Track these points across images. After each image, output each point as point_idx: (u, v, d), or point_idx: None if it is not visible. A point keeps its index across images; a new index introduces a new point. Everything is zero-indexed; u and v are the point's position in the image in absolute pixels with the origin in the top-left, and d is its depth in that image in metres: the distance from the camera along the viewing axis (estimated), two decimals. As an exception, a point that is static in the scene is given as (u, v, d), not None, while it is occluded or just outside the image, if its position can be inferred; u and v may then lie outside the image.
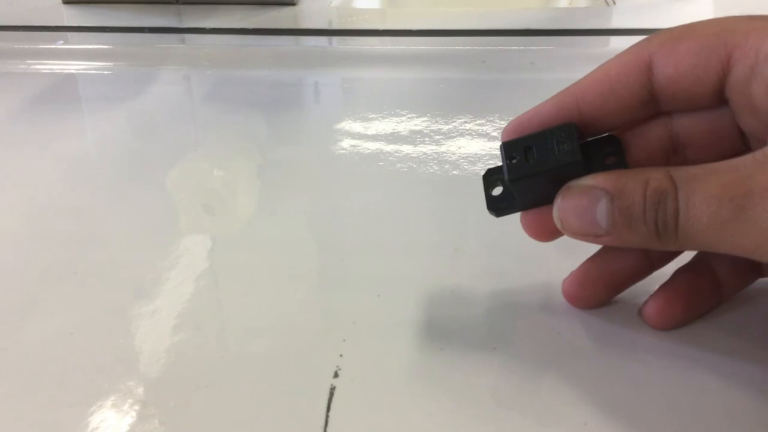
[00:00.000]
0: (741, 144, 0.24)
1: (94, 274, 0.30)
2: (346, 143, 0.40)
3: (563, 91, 0.25)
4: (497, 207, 0.26)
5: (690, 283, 0.26)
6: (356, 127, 0.42)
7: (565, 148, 0.23)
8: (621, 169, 0.23)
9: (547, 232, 0.26)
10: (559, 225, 0.24)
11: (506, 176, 0.24)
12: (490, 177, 0.26)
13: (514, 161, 0.24)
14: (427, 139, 0.40)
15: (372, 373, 0.25)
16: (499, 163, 0.25)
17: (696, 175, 0.21)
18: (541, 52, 0.50)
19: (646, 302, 0.26)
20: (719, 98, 0.23)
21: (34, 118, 0.44)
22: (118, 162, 0.40)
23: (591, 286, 0.27)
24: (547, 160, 0.23)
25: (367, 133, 0.41)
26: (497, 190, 0.26)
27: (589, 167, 0.23)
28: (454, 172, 0.36)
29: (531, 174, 0.24)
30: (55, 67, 0.52)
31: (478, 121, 0.41)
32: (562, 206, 0.23)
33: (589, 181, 0.23)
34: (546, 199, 0.24)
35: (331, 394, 0.24)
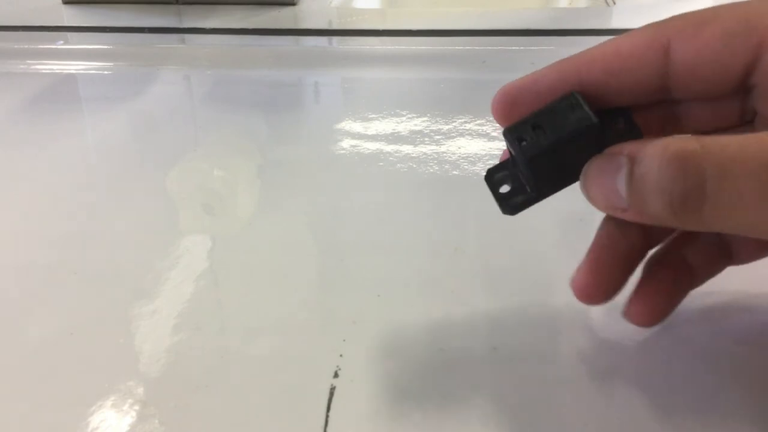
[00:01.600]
0: (742, 128, 0.23)
1: (94, 274, 0.30)
2: (346, 143, 0.40)
3: (566, 60, 0.23)
4: (511, 204, 0.23)
5: (667, 277, 0.25)
6: (356, 127, 0.42)
7: (577, 114, 0.21)
8: (653, 138, 0.21)
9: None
10: (586, 196, 0.22)
11: (520, 158, 0.22)
12: (494, 176, 0.24)
13: (524, 143, 0.22)
14: (427, 139, 0.40)
15: (372, 373, 0.25)
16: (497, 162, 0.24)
17: (734, 141, 0.19)
18: (541, 52, 0.50)
19: (629, 302, 0.25)
20: (741, 85, 0.22)
21: (34, 118, 0.44)
22: (118, 162, 0.40)
23: (603, 276, 0.24)
24: (562, 128, 0.21)
25: (367, 133, 0.41)
26: (505, 188, 0.24)
27: (604, 136, 0.22)
28: (454, 172, 0.36)
29: (547, 148, 0.21)
30: (55, 67, 0.52)
31: (478, 121, 0.41)
32: (588, 175, 0.22)
33: (614, 148, 0.21)
34: (563, 181, 0.23)
35: (331, 394, 0.24)
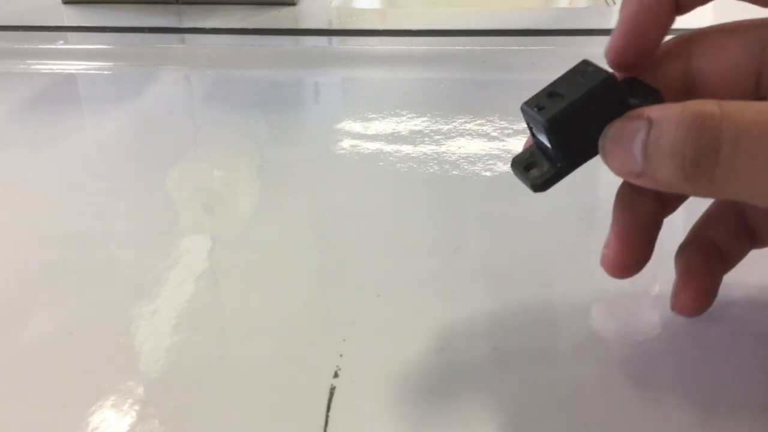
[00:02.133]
0: (754, 94, 0.23)
1: (94, 274, 0.30)
2: (346, 143, 0.40)
3: None
4: (540, 181, 0.23)
5: (703, 263, 0.25)
6: (356, 127, 0.42)
7: (590, 74, 0.21)
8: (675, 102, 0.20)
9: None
10: (603, 160, 0.21)
11: (541, 125, 0.22)
12: (518, 161, 0.23)
13: (543, 110, 0.21)
14: (427, 139, 0.40)
15: (372, 373, 0.25)
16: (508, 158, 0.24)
17: (754, 106, 0.18)
18: (541, 52, 0.50)
19: (674, 297, 0.25)
20: None
21: (34, 118, 0.44)
22: (118, 162, 0.40)
23: (630, 248, 0.24)
24: (578, 89, 0.21)
25: (367, 133, 0.41)
26: (533, 172, 0.23)
27: (626, 100, 0.21)
28: (454, 172, 0.36)
29: (566, 108, 0.21)
30: (55, 67, 0.52)
31: (478, 121, 0.41)
32: (606, 138, 0.21)
33: (635, 112, 0.20)
34: (588, 150, 0.22)
35: (331, 394, 0.24)
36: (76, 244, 0.32)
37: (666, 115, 0.19)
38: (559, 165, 0.22)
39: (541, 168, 0.23)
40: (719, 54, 0.23)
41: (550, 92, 0.22)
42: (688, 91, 0.23)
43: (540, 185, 0.23)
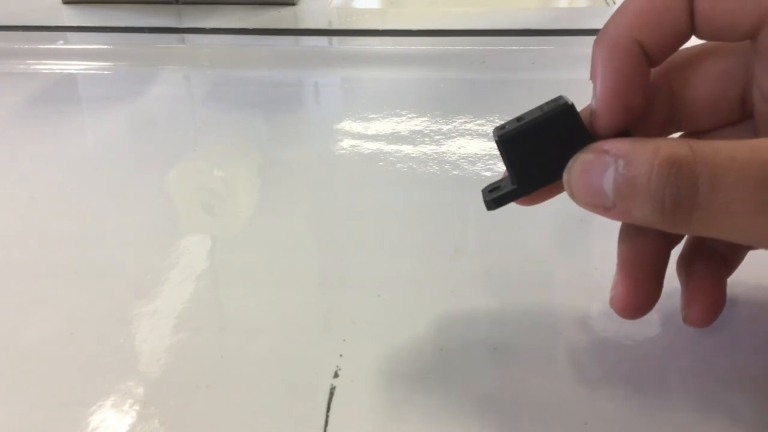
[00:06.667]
0: (740, 114, 0.23)
1: (94, 274, 0.30)
2: (346, 143, 0.40)
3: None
4: (492, 197, 0.24)
5: (708, 271, 0.25)
6: (356, 127, 0.42)
7: (553, 103, 0.22)
8: (641, 137, 0.21)
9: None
10: (568, 193, 0.22)
11: (495, 138, 0.23)
12: (487, 186, 0.24)
13: (502, 129, 0.23)
14: (427, 139, 0.40)
15: (372, 373, 0.25)
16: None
17: (726, 149, 0.19)
18: (541, 52, 0.50)
19: (685, 309, 0.25)
20: (753, 32, 0.22)
21: (34, 118, 0.44)
22: (118, 162, 0.40)
23: (641, 288, 0.24)
24: (538, 114, 0.22)
25: (367, 133, 0.41)
26: (493, 192, 0.24)
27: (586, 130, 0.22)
28: (454, 172, 0.36)
29: (518, 130, 0.22)
30: (55, 67, 0.52)
31: (478, 121, 0.41)
32: (572, 171, 0.22)
33: (603, 145, 0.21)
34: (546, 175, 0.23)
35: (331, 394, 0.24)
36: (76, 244, 0.32)
37: (638, 155, 0.20)
38: (513, 186, 0.23)
39: (500, 188, 0.24)
40: (702, 80, 0.23)
41: (518, 117, 0.22)
42: (672, 119, 0.23)
43: (490, 202, 0.24)
